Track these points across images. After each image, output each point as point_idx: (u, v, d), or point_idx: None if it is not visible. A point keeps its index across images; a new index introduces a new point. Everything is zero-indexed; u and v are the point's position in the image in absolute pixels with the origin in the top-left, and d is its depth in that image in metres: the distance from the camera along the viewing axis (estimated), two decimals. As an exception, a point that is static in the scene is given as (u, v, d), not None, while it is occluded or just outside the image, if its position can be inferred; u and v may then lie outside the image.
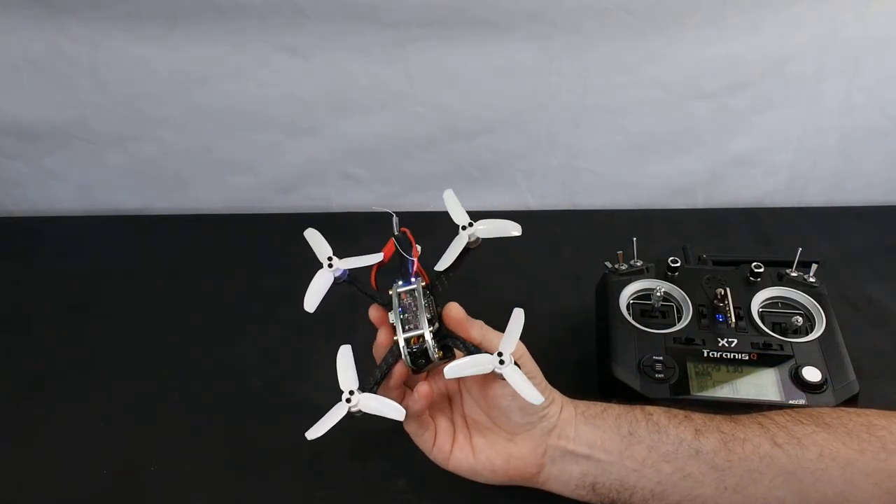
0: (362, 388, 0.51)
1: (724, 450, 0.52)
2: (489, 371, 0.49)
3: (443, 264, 0.52)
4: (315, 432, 0.51)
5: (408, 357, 0.51)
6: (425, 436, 0.55)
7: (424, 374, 0.56)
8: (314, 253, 0.53)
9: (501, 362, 0.49)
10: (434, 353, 0.51)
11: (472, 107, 0.89)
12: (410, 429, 0.55)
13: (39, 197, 0.98)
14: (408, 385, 0.56)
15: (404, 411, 0.50)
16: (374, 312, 0.54)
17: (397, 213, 0.53)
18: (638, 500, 0.53)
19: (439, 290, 0.54)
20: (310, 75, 0.86)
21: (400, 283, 0.53)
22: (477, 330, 0.53)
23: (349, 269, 0.52)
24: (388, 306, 0.53)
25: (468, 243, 0.52)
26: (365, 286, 0.54)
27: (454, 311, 0.52)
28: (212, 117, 0.90)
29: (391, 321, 0.52)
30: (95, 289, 0.86)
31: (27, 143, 0.92)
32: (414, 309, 0.52)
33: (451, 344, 0.52)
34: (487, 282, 0.79)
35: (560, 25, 0.82)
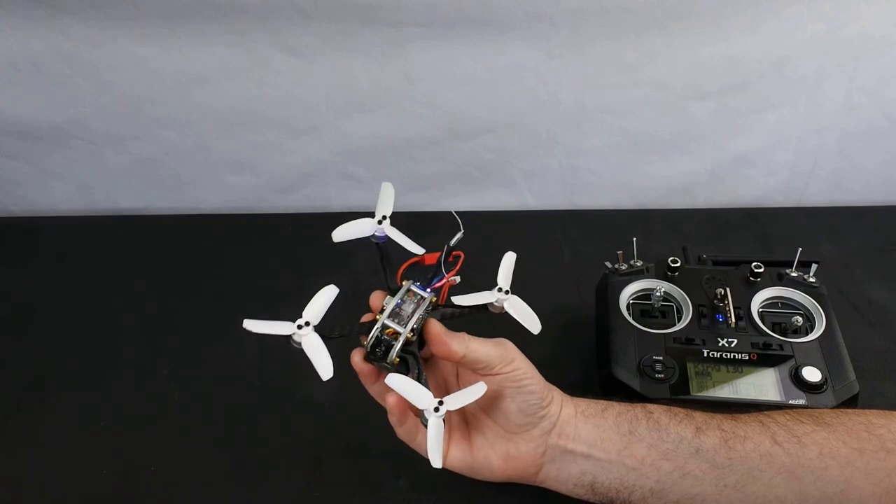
0: (318, 331, 0.50)
1: (725, 447, 0.52)
2: (420, 409, 0.49)
3: (461, 299, 0.53)
4: (253, 326, 0.50)
5: (373, 338, 0.51)
6: (418, 440, 0.55)
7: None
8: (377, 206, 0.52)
9: (436, 409, 0.48)
10: (394, 354, 0.51)
11: (472, 107, 0.89)
12: (402, 435, 0.55)
13: (39, 197, 0.98)
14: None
15: (331, 373, 0.49)
16: (374, 300, 0.53)
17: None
18: (637, 499, 0.53)
19: (440, 315, 0.54)
20: (310, 75, 0.86)
21: (417, 283, 0.53)
22: (458, 343, 0.52)
23: (388, 238, 0.52)
24: (393, 291, 0.53)
25: (492, 304, 0.52)
26: (389, 260, 0.53)
27: (433, 327, 0.52)
28: (212, 117, 0.90)
29: (384, 303, 0.52)
30: (95, 289, 0.86)
31: (27, 143, 0.92)
32: (412, 308, 0.52)
33: (410, 363, 0.52)
34: (487, 282, 0.78)
35: (560, 25, 0.82)
